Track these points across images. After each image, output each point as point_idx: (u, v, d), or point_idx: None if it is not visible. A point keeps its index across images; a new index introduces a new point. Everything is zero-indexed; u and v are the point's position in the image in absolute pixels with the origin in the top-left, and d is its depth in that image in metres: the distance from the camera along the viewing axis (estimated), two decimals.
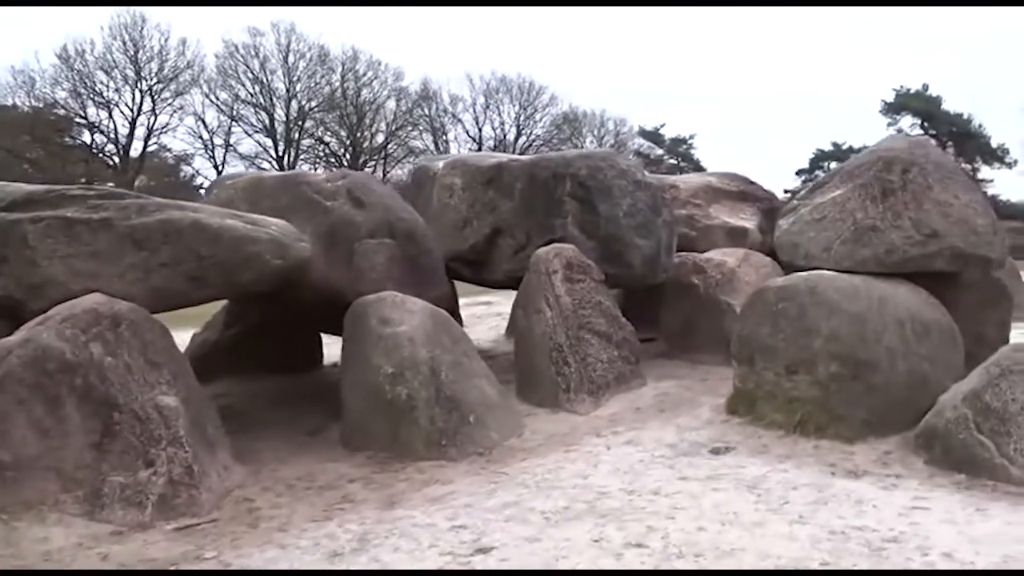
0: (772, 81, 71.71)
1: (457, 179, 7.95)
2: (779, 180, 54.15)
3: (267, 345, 7.69)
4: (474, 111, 51.31)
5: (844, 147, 51.24)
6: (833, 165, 52.42)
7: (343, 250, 6.16)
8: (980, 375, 4.95)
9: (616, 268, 7.42)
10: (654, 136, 51.63)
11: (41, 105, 39.53)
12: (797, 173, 52.01)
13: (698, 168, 51.15)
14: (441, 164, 8.31)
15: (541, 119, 51.86)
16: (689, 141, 51.44)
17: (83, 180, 34.30)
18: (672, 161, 52.07)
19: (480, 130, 51.48)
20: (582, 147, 53.30)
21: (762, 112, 68.54)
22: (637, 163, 7.89)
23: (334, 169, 37.21)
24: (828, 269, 5.78)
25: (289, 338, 7.79)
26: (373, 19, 62.66)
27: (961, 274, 6.47)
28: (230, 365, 7.69)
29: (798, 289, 5.61)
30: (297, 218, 6.30)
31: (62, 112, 39.96)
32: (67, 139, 40.85)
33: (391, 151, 48.25)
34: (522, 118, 51.68)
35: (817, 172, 52.80)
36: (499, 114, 51.75)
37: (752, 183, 10.16)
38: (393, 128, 48.36)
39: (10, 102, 38.95)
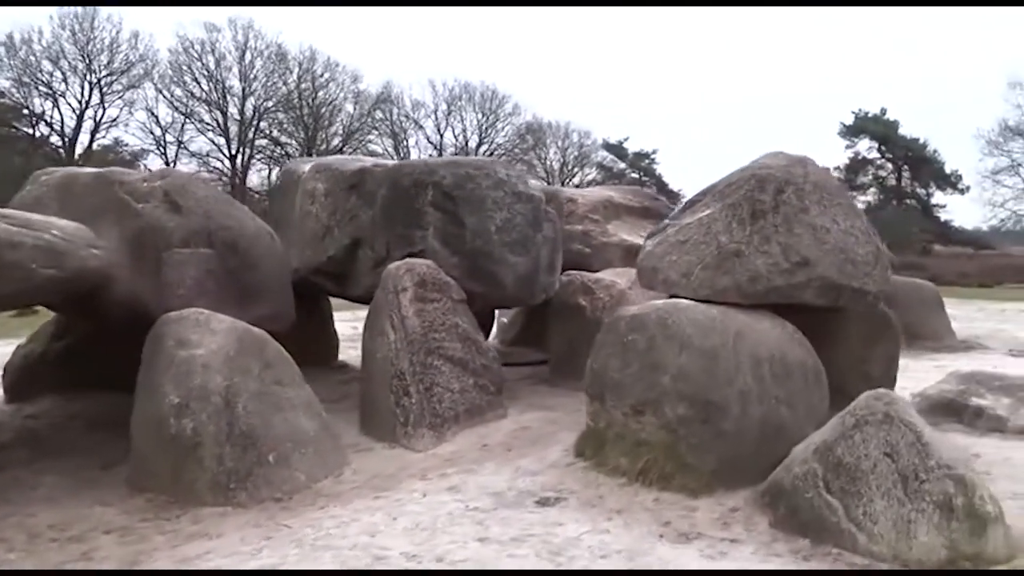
0: (735, 98, 71.88)
1: (320, 184, 7.25)
2: None
3: (97, 360, 6.90)
4: (436, 117, 50.68)
5: None
6: None
7: (151, 260, 5.42)
8: (834, 425, 4.36)
9: (485, 287, 6.76)
10: (617, 149, 51.46)
11: None
12: None
13: (660, 184, 51.01)
14: (307, 167, 7.59)
15: (503, 128, 51.39)
16: (652, 156, 51.28)
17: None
18: (634, 175, 51.87)
19: (441, 136, 50.88)
20: (545, 157, 52.94)
21: (725, 129, 68.62)
22: (520, 173, 7.22)
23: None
24: (687, 297, 5.16)
25: (122, 353, 7.00)
26: (334, 20, 61.94)
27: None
28: (55, 381, 6.91)
29: (648, 320, 4.98)
30: (105, 221, 5.58)
31: (8, 101, 38.67)
32: (11, 129, 39.53)
33: (348, 154, 47.35)
34: (484, 126, 51.14)
35: None
36: (461, 121, 51.17)
37: (658, 199, 9.58)
38: (350, 131, 47.57)
39: None
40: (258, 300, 5.75)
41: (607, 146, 51.83)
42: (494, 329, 10.69)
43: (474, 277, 6.69)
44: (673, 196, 49.87)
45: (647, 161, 51.54)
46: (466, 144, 51.12)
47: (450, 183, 6.62)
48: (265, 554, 3.93)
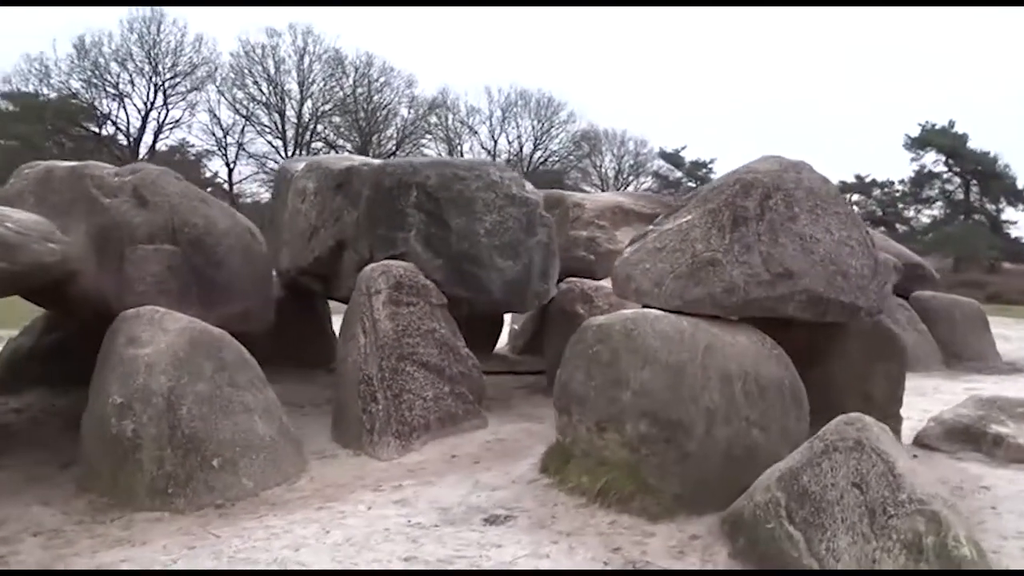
0: (797, 109, 70.25)
1: (310, 183, 7.09)
2: None
3: (84, 356, 6.84)
4: (490, 123, 50.65)
5: (867, 180, 49.84)
6: (855, 199, 51.12)
7: (115, 255, 5.32)
8: (803, 451, 3.99)
9: (470, 291, 6.51)
10: (674, 158, 50.74)
11: (55, 95, 39.56)
12: None
13: None
14: (300, 165, 7.45)
15: (558, 135, 51.10)
16: (709, 165, 50.37)
17: None
18: (691, 184, 51.09)
19: (495, 142, 50.78)
20: (600, 165, 52.48)
21: (786, 140, 67.06)
22: (514, 176, 6.95)
23: None
24: (658, 308, 4.83)
25: None
26: (391, 26, 62.40)
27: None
28: (44, 375, 6.88)
29: (612, 331, 4.67)
30: (75, 215, 5.51)
31: (78, 103, 39.97)
32: (80, 129, 40.87)
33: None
34: (539, 133, 50.91)
35: None
36: (516, 127, 50.99)
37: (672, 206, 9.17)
38: (404, 135, 47.95)
39: (26, 89, 39.06)
40: (226, 299, 5.60)
41: (663, 155, 51.13)
42: (504, 337, 10.44)
43: (458, 281, 6.44)
44: None
45: (704, 170, 50.70)
46: (520, 150, 51.06)
47: (434, 184, 6.39)
48: (180, 564, 3.75)
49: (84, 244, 5.35)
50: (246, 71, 44.24)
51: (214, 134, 43.89)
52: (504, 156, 50.25)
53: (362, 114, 46.48)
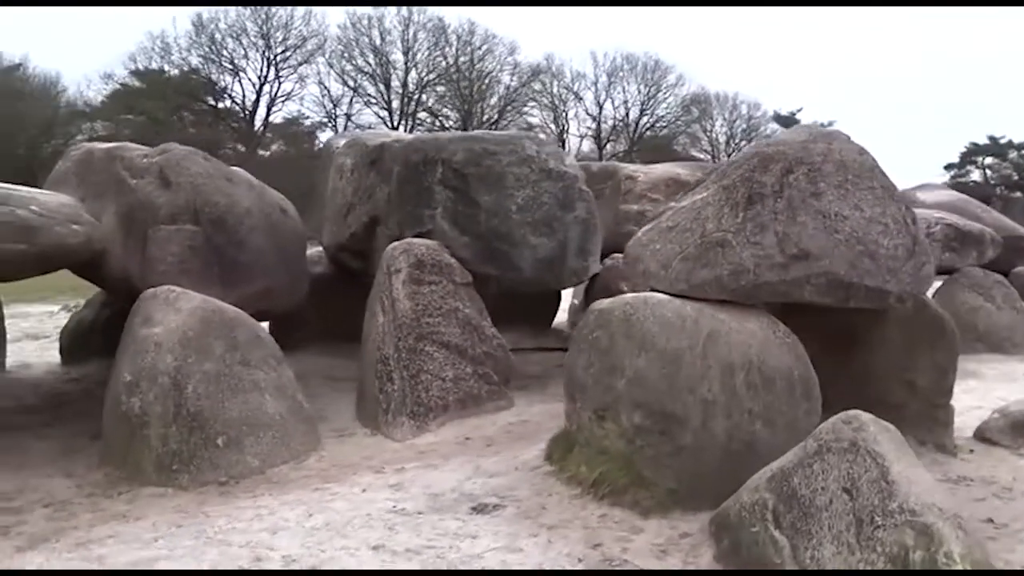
0: (924, 65, 65.76)
1: (349, 159, 7.10)
2: (924, 175, 49.66)
3: None
4: (596, 89, 49.69)
5: (1003, 141, 46.54)
6: (988, 161, 47.68)
7: (140, 236, 5.48)
8: (797, 451, 3.71)
9: (500, 270, 6.39)
10: (788, 121, 48.69)
11: (176, 71, 41.48)
12: (946, 167, 47.95)
13: None
14: (342, 142, 7.47)
15: (665, 99, 49.76)
16: (826, 127, 47.91)
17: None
18: None
19: (600, 108, 49.82)
20: (711, 130, 50.80)
21: (911, 99, 63.04)
22: (554, 150, 6.76)
23: None
24: (665, 292, 4.57)
25: None
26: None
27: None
28: (103, 347, 7.21)
29: (612, 316, 4.46)
30: (107, 197, 5.71)
31: (199, 78, 41.78)
32: (201, 104, 42.77)
33: (504, 126, 47.70)
34: (646, 98, 49.63)
35: (968, 168, 48.19)
36: (623, 92, 49.85)
37: None
38: (507, 102, 47.80)
39: (149, 67, 41.14)
40: (248, 278, 5.69)
41: (778, 118, 49.13)
42: (563, 313, 10.27)
43: (487, 259, 6.33)
44: None
45: None
46: (627, 115, 50.08)
47: (461, 160, 6.28)
48: (159, 544, 3.84)
49: (113, 225, 5.53)
50: (353, 42, 45.06)
51: (324, 106, 45.10)
52: (609, 123, 49.45)
53: (464, 83, 46.61)
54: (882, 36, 67.04)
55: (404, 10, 44.32)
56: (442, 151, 6.31)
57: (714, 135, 51.37)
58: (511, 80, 47.16)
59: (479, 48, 46.37)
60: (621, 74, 49.64)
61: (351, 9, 43.77)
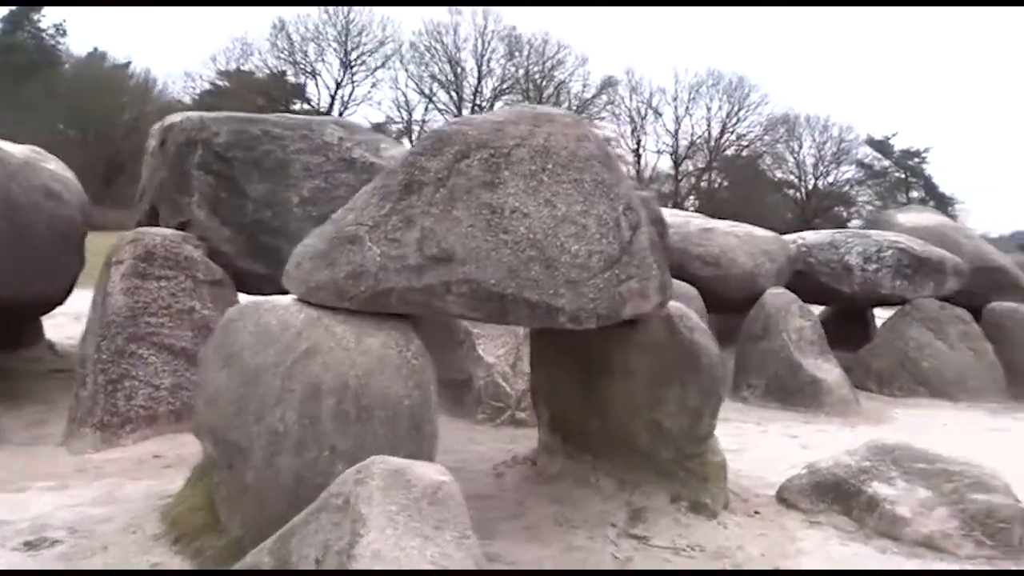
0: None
1: (153, 140, 6.49)
2: None
3: None
4: (675, 104, 47.83)
5: None
6: None
7: None
8: (315, 504, 2.86)
9: (270, 268, 5.62)
10: (882, 146, 46.03)
11: (261, 74, 42.21)
12: None
13: (929, 186, 44.85)
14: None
15: (747, 117, 47.61)
16: (923, 154, 45.23)
17: None
18: (899, 175, 46.28)
19: (678, 123, 47.82)
20: (798, 151, 48.38)
21: (1005, 126, 58.91)
22: (371, 138, 6.04)
23: None
24: (297, 295, 3.77)
25: None
26: (575, 10, 61.00)
27: (635, 328, 4.19)
28: None
29: (222, 323, 3.69)
30: None
31: (280, 80, 42.47)
32: (281, 106, 43.46)
33: None
34: (729, 116, 47.52)
35: None
36: (704, 108, 47.72)
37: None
38: (576, 112, 46.85)
39: (227, 67, 42.07)
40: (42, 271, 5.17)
41: (871, 142, 46.30)
42: None
43: (257, 255, 5.64)
44: (944, 200, 43.72)
45: (916, 160, 45.67)
46: (709, 132, 48.18)
47: (224, 142, 5.61)
48: None
49: None
50: (426, 50, 45.04)
51: (399, 112, 45.18)
52: (686, 140, 47.72)
53: (533, 91, 45.95)
54: (980, 61, 63.01)
55: (480, 18, 44.10)
56: (203, 131, 5.65)
57: (801, 156, 48.82)
58: (582, 90, 46.15)
59: (551, 58, 45.65)
60: (703, 89, 47.76)
61: (427, 16, 43.76)
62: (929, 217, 10.66)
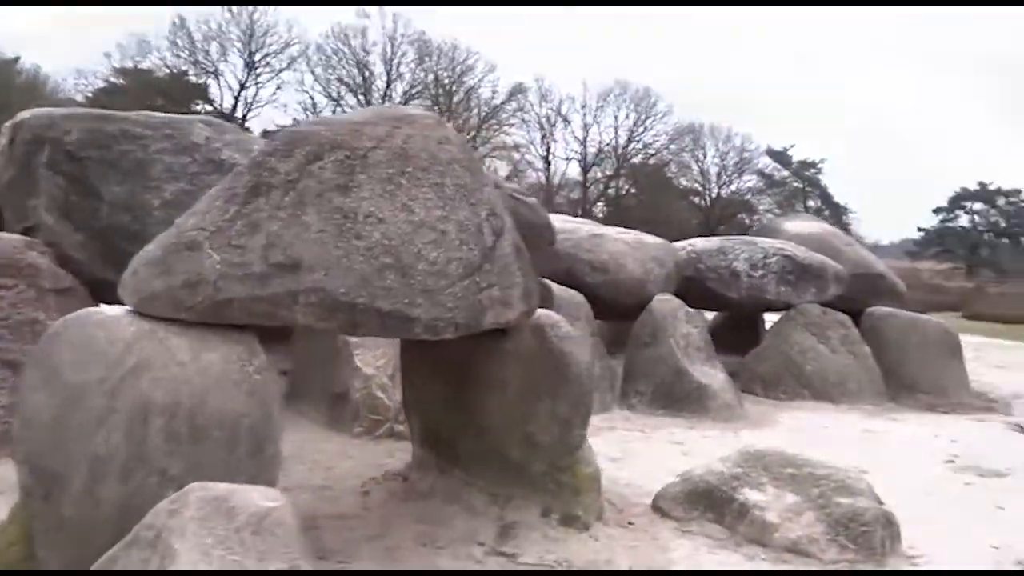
0: (916, 111, 64.83)
1: (3, 138, 6.02)
2: (914, 218, 48.64)
3: None
4: (583, 112, 48.21)
5: (991, 187, 45.72)
6: (977, 207, 46.52)
7: None
8: (125, 540, 2.60)
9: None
10: (781, 157, 47.68)
11: (160, 73, 40.45)
12: (935, 211, 47.20)
13: (824, 196, 46.63)
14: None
15: (653, 127, 48.37)
16: (818, 165, 47.16)
17: None
18: (797, 185, 47.95)
19: (586, 131, 48.25)
20: (703, 160, 49.53)
21: (904, 141, 61.98)
22: (240, 139, 5.73)
23: None
24: (129, 305, 3.48)
25: None
26: (486, 19, 61.11)
27: (505, 337, 4.05)
28: None
29: (46, 336, 3.38)
30: None
31: (179, 79, 40.81)
32: (176, 106, 41.78)
33: (482, 143, 46.70)
34: (636, 124, 48.16)
35: (956, 212, 47.09)
36: (614, 118, 48.18)
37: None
38: (483, 119, 46.83)
39: (124, 65, 40.20)
40: None
41: (771, 153, 47.89)
42: None
43: (113, 261, 5.23)
44: (838, 209, 45.57)
45: (812, 171, 47.60)
46: (616, 141, 48.71)
47: (76, 140, 5.23)
48: None
49: None
50: (333, 52, 44.21)
51: (306, 116, 44.14)
52: (594, 147, 48.22)
53: (442, 97, 45.68)
54: (873, 79, 66.17)
55: (389, 23, 43.58)
56: (52, 128, 5.26)
57: (706, 165, 49.97)
58: (492, 96, 46.17)
59: (461, 63, 45.50)
60: (611, 98, 48.32)
61: (335, 19, 42.98)
62: (813, 225, 10.96)
